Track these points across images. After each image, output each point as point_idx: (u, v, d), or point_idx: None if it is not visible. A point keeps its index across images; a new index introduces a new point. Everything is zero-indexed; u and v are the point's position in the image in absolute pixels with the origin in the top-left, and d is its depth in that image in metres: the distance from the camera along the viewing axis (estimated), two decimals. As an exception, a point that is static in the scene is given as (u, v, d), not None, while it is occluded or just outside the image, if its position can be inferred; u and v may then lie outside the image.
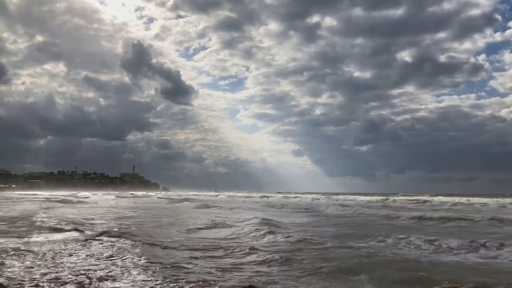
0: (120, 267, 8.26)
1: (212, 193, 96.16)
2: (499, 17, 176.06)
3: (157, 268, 8.27)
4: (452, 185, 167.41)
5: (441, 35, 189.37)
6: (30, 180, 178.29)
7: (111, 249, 10.45)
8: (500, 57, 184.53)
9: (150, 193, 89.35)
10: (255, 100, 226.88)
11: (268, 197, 65.41)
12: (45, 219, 18.39)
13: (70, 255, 9.52)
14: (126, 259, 9.18)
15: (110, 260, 9.01)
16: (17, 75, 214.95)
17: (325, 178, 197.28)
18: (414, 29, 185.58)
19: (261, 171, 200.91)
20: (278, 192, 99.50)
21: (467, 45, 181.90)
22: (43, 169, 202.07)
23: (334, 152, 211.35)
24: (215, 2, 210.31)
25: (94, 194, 74.36)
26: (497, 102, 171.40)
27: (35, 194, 68.37)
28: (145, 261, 8.92)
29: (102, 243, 11.29)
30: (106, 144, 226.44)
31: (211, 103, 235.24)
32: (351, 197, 61.87)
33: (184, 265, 8.75)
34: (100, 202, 44.79)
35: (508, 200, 36.92)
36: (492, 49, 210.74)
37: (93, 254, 9.67)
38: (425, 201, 45.19)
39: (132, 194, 79.68)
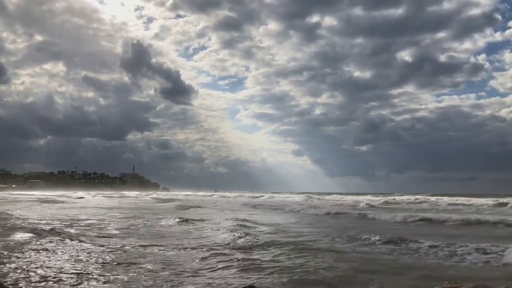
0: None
1: (207, 193, 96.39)
2: (499, 16, 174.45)
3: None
4: (452, 185, 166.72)
5: (441, 34, 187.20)
6: (30, 180, 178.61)
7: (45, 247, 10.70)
8: (500, 57, 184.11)
9: (142, 193, 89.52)
10: (255, 100, 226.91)
11: (258, 197, 66.35)
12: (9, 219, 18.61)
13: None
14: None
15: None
16: (16, 75, 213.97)
17: (325, 178, 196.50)
18: (414, 29, 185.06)
19: (261, 171, 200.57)
20: (273, 192, 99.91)
21: (467, 44, 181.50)
22: (43, 169, 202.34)
23: (334, 152, 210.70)
24: (215, 1, 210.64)
25: (88, 194, 74.52)
26: (497, 102, 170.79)
27: (31, 195, 68.72)
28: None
29: (44, 242, 11.50)
30: (106, 144, 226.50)
31: (211, 103, 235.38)
32: (348, 197, 61.90)
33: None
34: (84, 202, 44.99)
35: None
36: (492, 48, 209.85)
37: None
38: (420, 202, 44.94)
39: (124, 194, 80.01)
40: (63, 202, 42.88)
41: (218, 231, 15.02)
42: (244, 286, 6.88)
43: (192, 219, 20.26)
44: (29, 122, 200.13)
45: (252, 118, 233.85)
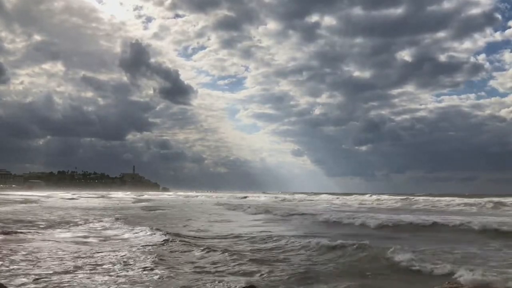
0: None
1: (198, 193, 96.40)
2: (499, 16, 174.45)
3: None
4: (452, 185, 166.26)
5: (441, 34, 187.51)
6: (30, 180, 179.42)
7: None
8: (500, 56, 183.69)
9: (129, 194, 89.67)
10: (255, 100, 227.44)
11: (246, 197, 66.96)
12: None
13: None
14: None
15: None
16: (15, 75, 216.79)
17: (324, 178, 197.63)
18: (414, 29, 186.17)
19: (261, 171, 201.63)
20: (263, 192, 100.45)
21: (467, 44, 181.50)
22: (43, 169, 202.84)
23: (333, 152, 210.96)
24: (214, 1, 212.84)
25: (78, 194, 74.59)
26: (497, 102, 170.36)
27: (22, 195, 68.88)
28: None
29: None
30: (105, 144, 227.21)
31: (211, 103, 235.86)
32: (332, 197, 61.51)
33: None
34: (54, 202, 44.82)
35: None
36: (492, 48, 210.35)
37: None
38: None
39: (108, 194, 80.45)
40: (37, 202, 42.90)
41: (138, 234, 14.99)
42: (244, 286, 6.77)
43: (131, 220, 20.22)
44: (28, 122, 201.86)
45: (252, 118, 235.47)
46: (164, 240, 12.51)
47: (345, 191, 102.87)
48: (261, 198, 64.05)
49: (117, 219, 20.40)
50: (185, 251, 10.89)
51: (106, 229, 16.51)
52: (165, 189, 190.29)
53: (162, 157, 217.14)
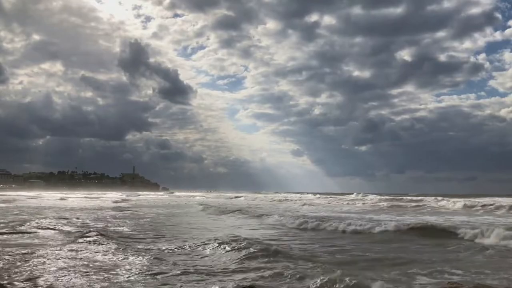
0: None
1: (189, 194, 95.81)
2: (499, 15, 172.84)
3: None
4: (452, 185, 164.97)
5: (441, 34, 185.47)
6: (30, 181, 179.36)
7: None
8: (500, 56, 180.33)
9: (118, 193, 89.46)
10: (254, 100, 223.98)
11: (237, 197, 66.83)
12: None
13: None
14: None
15: None
16: (14, 75, 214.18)
17: (324, 178, 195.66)
18: (413, 28, 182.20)
19: (260, 171, 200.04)
20: (256, 192, 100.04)
21: (467, 44, 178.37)
22: (43, 169, 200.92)
23: (333, 152, 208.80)
24: (213, 0, 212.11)
25: (65, 194, 74.09)
26: (497, 101, 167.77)
27: (14, 195, 68.61)
28: None
29: None
30: (105, 144, 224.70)
31: (210, 103, 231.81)
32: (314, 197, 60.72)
33: None
34: (31, 203, 44.01)
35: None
36: (492, 48, 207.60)
37: None
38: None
39: (101, 194, 79.80)
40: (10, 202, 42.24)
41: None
42: (244, 286, 6.73)
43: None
44: (27, 122, 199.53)
45: (252, 118, 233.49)
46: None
47: (345, 191, 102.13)
48: (242, 198, 64.57)
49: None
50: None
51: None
52: (165, 189, 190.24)
53: (162, 157, 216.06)
